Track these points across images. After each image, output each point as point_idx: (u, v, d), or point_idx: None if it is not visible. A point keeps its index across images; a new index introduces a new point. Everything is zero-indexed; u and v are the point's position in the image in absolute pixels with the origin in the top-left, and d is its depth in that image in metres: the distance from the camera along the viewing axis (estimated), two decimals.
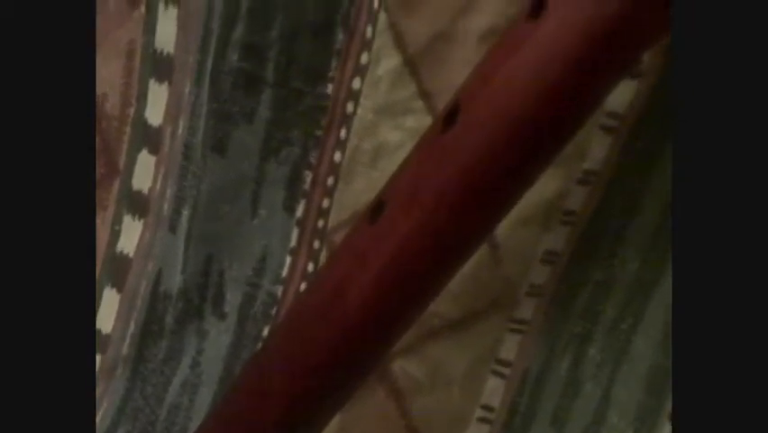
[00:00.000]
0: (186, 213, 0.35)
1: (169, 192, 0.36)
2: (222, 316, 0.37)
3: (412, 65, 0.31)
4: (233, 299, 0.36)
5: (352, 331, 0.25)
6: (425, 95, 0.32)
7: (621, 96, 0.30)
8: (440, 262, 0.25)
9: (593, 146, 0.31)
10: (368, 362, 0.27)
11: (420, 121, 0.32)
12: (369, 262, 0.25)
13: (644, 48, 0.24)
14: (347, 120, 0.33)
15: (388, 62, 0.32)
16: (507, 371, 0.35)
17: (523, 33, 0.23)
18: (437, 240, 0.24)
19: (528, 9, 0.23)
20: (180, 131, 0.35)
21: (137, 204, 0.37)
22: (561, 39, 0.22)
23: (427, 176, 0.25)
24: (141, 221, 0.37)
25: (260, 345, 0.36)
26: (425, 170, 0.25)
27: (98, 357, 0.39)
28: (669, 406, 0.32)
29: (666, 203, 0.31)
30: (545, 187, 0.31)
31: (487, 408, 0.35)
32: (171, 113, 0.35)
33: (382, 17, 0.31)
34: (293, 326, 0.28)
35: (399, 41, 0.31)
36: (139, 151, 0.36)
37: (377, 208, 0.26)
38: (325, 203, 0.35)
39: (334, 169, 0.34)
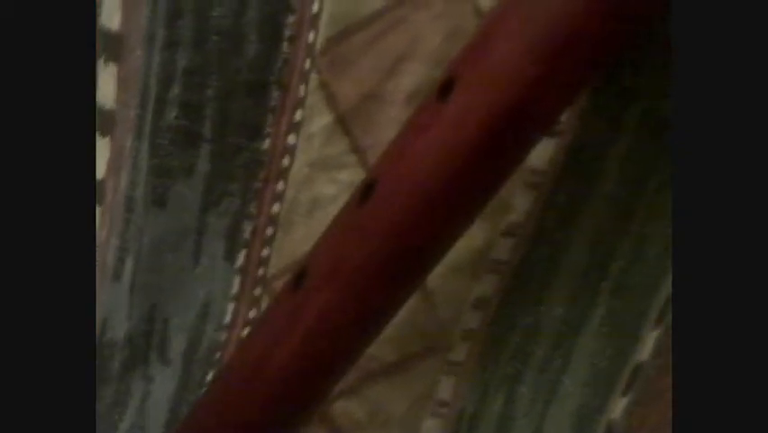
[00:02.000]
0: (129, 263, 0.36)
1: (113, 243, 0.36)
2: (167, 361, 0.37)
3: (343, 122, 0.33)
4: (177, 345, 0.37)
5: (277, 393, 0.26)
6: (357, 150, 0.33)
7: (542, 153, 0.31)
8: (361, 330, 0.26)
9: (516, 200, 0.32)
10: (296, 419, 0.28)
11: (354, 175, 0.33)
12: (292, 330, 0.26)
13: (548, 126, 0.25)
14: (284, 173, 0.34)
15: (321, 120, 0.33)
16: (444, 411, 0.36)
17: (433, 113, 0.24)
18: (358, 310, 0.25)
19: (437, 90, 0.25)
20: (122, 184, 0.35)
21: None
22: (466, 122, 0.24)
23: (346, 248, 0.26)
24: None
25: (203, 390, 0.37)
26: (345, 242, 0.26)
27: None
28: None
29: (590, 251, 0.33)
30: (473, 238, 0.33)
31: None
32: (113, 166, 0.36)
33: (314, 78, 0.32)
34: (224, 386, 0.29)
35: (331, 100, 0.32)
36: None
37: (300, 277, 0.27)
38: (265, 252, 0.36)
39: (273, 219, 0.35)
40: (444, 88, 0.24)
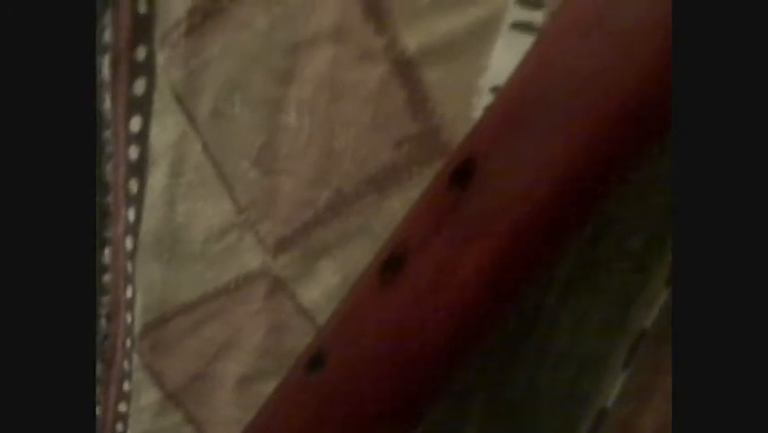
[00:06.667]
0: None
1: None
2: None
3: (174, 399, 0.30)
4: None
5: None
6: (193, 422, 0.30)
7: None
8: None
9: None
10: None
11: None
12: None
13: None
14: None
15: (149, 395, 0.30)
16: None
17: None
18: None
19: None
20: None
21: None
22: None
23: None
24: None
25: None
26: None
27: None
28: None
29: None
30: None
31: None
32: None
33: (136, 357, 0.29)
34: None
35: (157, 379, 0.30)
36: None
37: None
38: None
39: None
40: None
